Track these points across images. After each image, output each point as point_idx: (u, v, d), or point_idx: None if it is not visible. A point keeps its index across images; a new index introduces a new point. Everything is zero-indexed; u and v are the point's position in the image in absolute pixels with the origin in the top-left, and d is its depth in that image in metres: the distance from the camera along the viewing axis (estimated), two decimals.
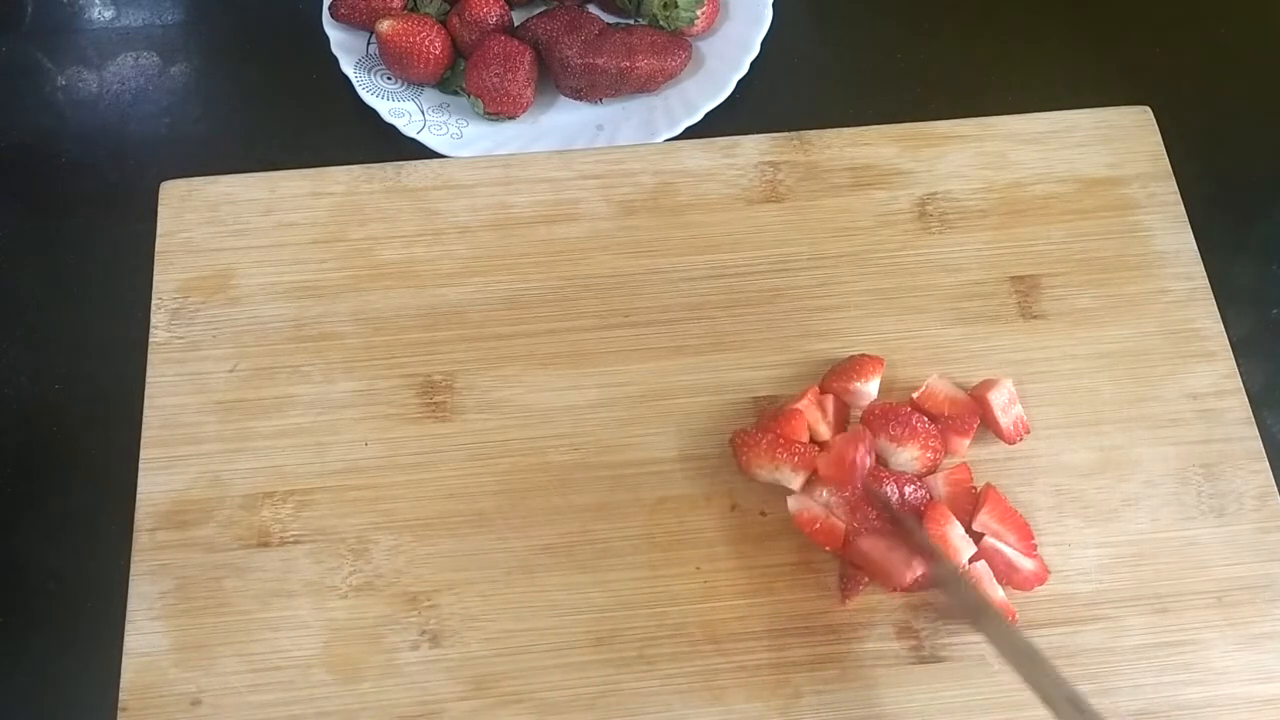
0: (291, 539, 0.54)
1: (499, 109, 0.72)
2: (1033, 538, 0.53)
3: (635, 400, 0.58)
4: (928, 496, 0.54)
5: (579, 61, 0.72)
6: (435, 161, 0.64)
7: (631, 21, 0.76)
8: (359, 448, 0.56)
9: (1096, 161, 0.63)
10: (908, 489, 0.53)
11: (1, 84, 0.77)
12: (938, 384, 0.57)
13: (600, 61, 0.71)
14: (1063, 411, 0.57)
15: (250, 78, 0.77)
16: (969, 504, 0.53)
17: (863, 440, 0.52)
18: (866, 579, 0.53)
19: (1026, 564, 0.52)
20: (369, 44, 0.75)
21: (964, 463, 0.55)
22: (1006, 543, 0.52)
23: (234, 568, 0.54)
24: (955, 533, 0.52)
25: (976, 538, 0.53)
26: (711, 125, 0.71)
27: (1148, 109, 0.65)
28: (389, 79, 0.74)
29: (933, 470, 0.54)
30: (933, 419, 0.55)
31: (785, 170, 0.63)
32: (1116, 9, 0.79)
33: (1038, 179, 0.63)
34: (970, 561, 0.52)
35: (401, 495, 0.55)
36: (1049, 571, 0.52)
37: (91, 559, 0.60)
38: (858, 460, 0.52)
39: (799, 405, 0.55)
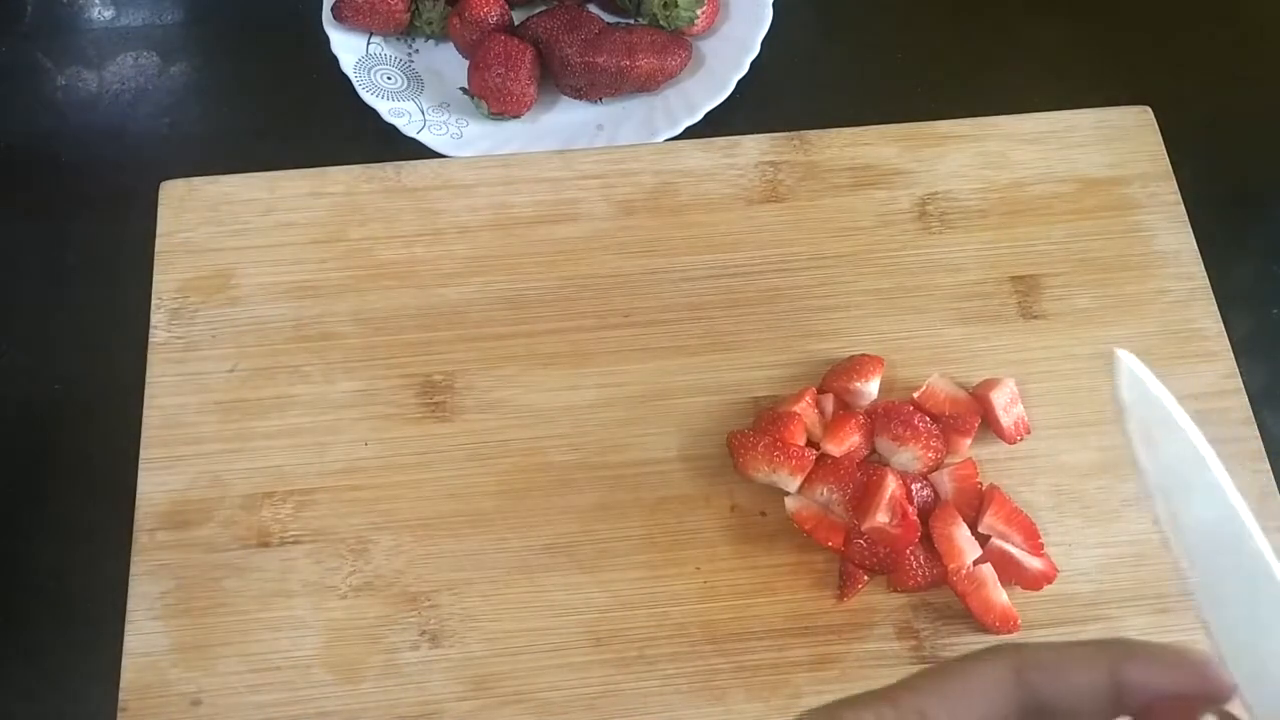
0: (291, 539, 0.54)
1: (502, 108, 0.72)
2: (1039, 536, 0.53)
3: (635, 400, 0.57)
4: (934, 495, 0.54)
5: (579, 60, 0.72)
6: (435, 161, 0.64)
7: (631, 21, 0.76)
8: (359, 448, 0.56)
9: (1096, 161, 0.63)
10: (914, 488, 0.53)
11: (1, 84, 0.77)
12: (939, 383, 0.57)
13: (600, 60, 0.71)
14: (1063, 411, 0.57)
15: (250, 78, 0.77)
16: (975, 500, 0.53)
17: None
18: (866, 578, 0.53)
19: (1034, 563, 0.52)
20: (369, 44, 0.75)
21: (969, 458, 0.55)
22: (1013, 543, 0.52)
23: (234, 568, 0.54)
24: (962, 534, 0.52)
25: (982, 540, 0.53)
26: (711, 125, 0.71)
27: (1148, 109, 0.65)
28: (389, 78, 0.74)
29: (935, 469, 0.54)
30: (934, 418, 0.55)
31: (785, 170, 0.63)
32: (1116, 9, 0.79)
33: (1038, 179, 0.63)
34: (976, 564, 0.52)
35: (401, 495, 0.55)
36: (1057, 570, 0.52)
37: (91, 559, 0.59)
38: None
39: (796, 408, 0.55)
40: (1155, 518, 0.27)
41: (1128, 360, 0.28)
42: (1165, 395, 0.27)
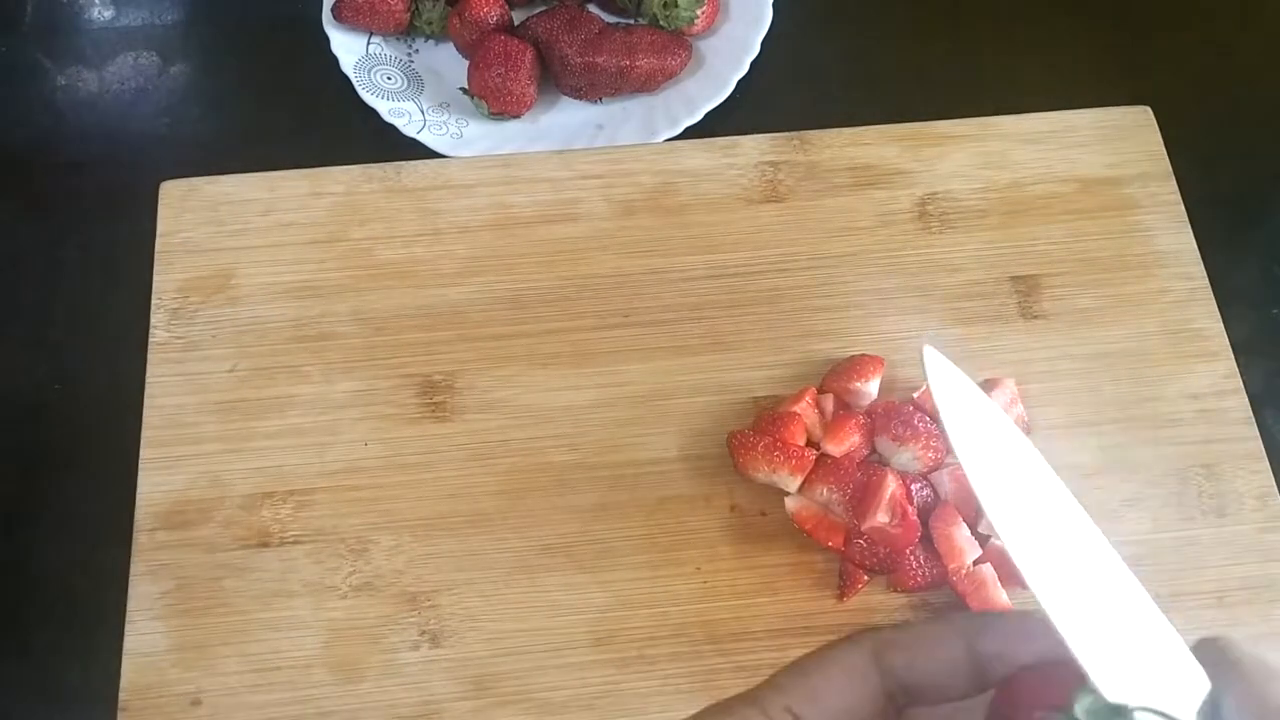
0: (291, 539, 0.54)
1: (503, 108, 0.72)
2: None
3: (635, 400, 0.57)
4: (934, 495, 0.54)
5: (578, 60, 0.72)
6: (435, 161, 0.64)
7: (631, 21, 0.76)
8: (359, 448, 0.56)
9: (1096, 161, 0.63)
10: (914, 488, 0.53)
11: (1, 84, 0.77)
12: None
13: (600, 60, 0.71)
14: (1063, 411, 0.57)
15: (250, 78, 0.77)
16: (975, 500, 0.53)
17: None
18: (866, 578, 0.53)
19: None
20: (369, 44, 0.75)
21: None
22: None
23: (234, 568, 0.54)
24: (962, 534, 0.52)
25: (982, 539, 0.53)
26: (711, 125, 0.71)
27: (1148, 109, 0.65)
28: (389, 78, 0.74)
29: (935, 469, 0.54)
30: (934, 419, 0.54)
31: (785, 170, 0.63)
32: (1116, 9, 0.79)
33: (1038, 179, 0.63)
34: (976, 564, 0.52)
35: (401, 495, 0.55)
36: None
37: (91, 559, 0.59)
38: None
39: (796, 408, 0.55)
40: (987, 521, 0.27)
41: (933, 358, 0.28)
42: (976, 393, 0.27)
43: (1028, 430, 0.56)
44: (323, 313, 0.59)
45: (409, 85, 0.74)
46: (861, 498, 0.52)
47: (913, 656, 0.27)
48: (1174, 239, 0.61)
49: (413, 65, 0.76)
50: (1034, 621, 0.26)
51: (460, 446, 0.56)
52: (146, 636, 0.52)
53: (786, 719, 0.27)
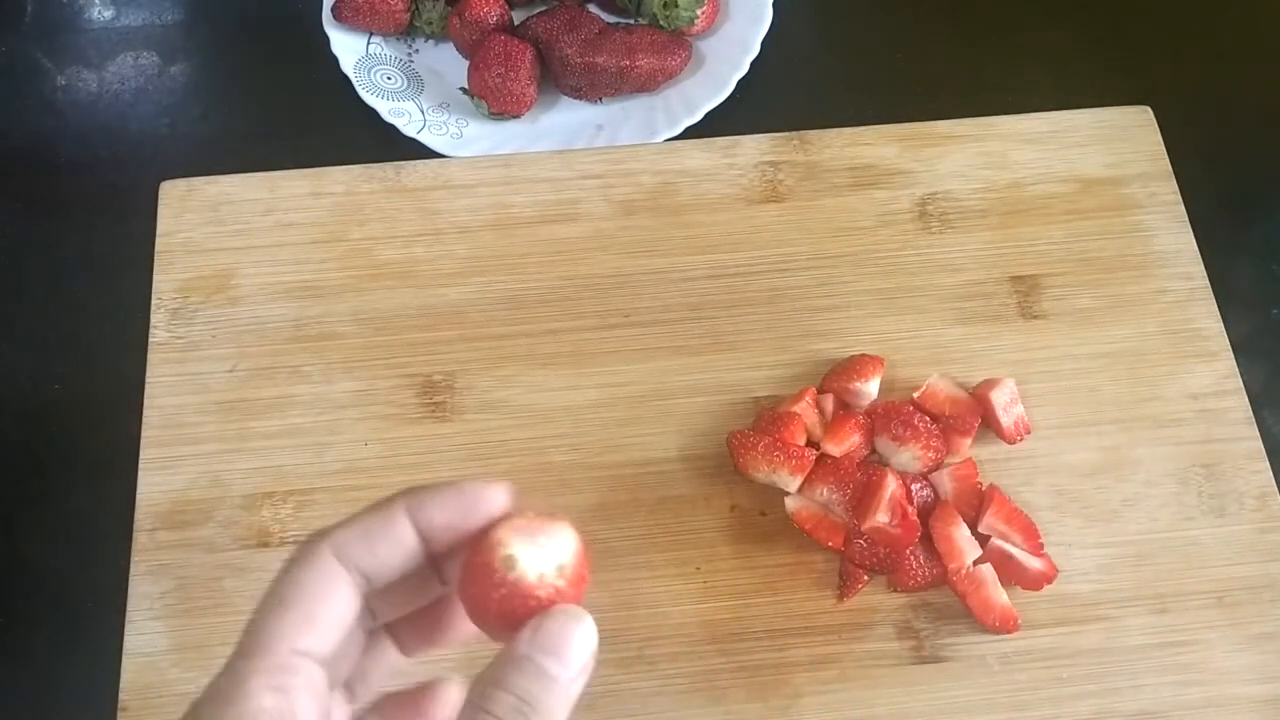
0: (291, 539, 0.54)
1: (503, 108, 0.72)
2: (1039, 536, 0.53)
3: (635, 400, 0.57)
4: (934, 495, 0.54)
5: (579, 60, 0.72)
6: (435, 161, 0.64)
7: (631, 21, 0.76)
8: (359, 448, 0.56)
9: (1096, 161, 0.63)
10: (914, 488, 0.53)
11: (1, 84, 0.77)
12: (939, 383, 0.57)
13: (600, 60, 0.71)
14: (1063, 411, 0.57)
15: (250, 78, 0.78)
16: (975, 500, 0.53)
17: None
18: (866, 578, 0.53)
19: (1034, 563, 0.52)
20: (369, 44, 0.75)
21: (969, 458, 0.55)
22: (1013, 543, 0.52)
23: (234, 568, 0.54)
24: (962, 534, 0.52)
25: (982, 539, 0.53)
26: (711, 125, 0.71)
27: (1148, 109, 0.65)
28: (389, 78, 0.74)
29: (935, 469, 0.54)
30: (934, 418, 0.55)
31: (785, 170, 0.63)
32: (1116, 8, 0.79)
33: (1038, 179, 0.63)
34: (976, 564, 0.52)
35: None
36: (1057, 570, 0.52)
37: (91, 559, 0.59)
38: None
39: (796, 408, 0.55)
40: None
41: None
42: None
43: (1027, 430, 0.56)
44: (323, 313, 0.59)
45: (409, 85, 0.74)
46: (861, 498, 0.52)
47: (369, 546, 0.29)
48: (1174, 239, 0.61)
49: (413, 65, 0.76)
50: (470, 490, 0.28)
51: (460, 446, 0.56)
52: (146, 636, 0.52)
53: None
